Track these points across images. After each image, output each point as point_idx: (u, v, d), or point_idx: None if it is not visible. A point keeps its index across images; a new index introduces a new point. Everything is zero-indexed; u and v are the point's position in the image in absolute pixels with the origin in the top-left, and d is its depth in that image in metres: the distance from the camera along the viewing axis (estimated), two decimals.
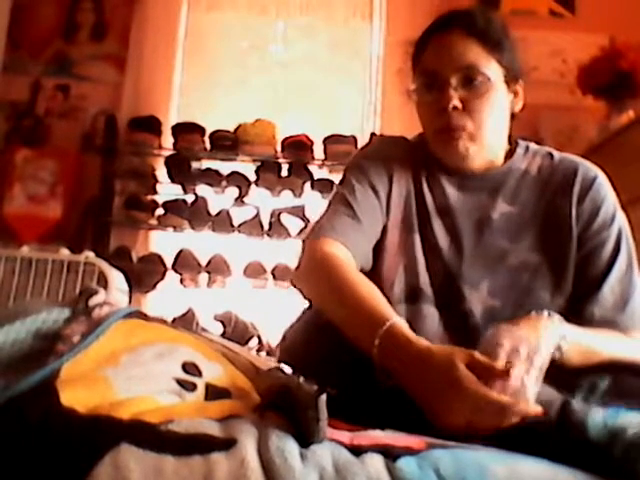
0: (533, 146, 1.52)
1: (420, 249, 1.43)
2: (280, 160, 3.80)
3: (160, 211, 3.75)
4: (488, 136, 1.42)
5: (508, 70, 1.41)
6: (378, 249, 1.43)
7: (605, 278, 1.38)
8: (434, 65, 1.40)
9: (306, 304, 1.37)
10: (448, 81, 1.37)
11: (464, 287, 1.39)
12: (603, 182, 1.47)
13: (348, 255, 1.33)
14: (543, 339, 1.11)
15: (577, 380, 1.07)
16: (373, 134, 3.70)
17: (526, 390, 1.02)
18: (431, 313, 1.38)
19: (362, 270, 1.34)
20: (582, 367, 1.16)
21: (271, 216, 3.71)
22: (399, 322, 1.13)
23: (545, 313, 1.20)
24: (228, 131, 3.79)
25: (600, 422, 0.95)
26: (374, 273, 1.40)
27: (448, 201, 1.45)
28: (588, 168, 1.48)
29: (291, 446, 0.83)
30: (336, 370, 1.07)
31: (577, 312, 1.35)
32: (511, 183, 1.46)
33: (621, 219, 1.45)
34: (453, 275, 1.41)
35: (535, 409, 1.00)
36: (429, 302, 1.40)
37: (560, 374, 1.11)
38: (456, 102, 1.36)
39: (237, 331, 3.39)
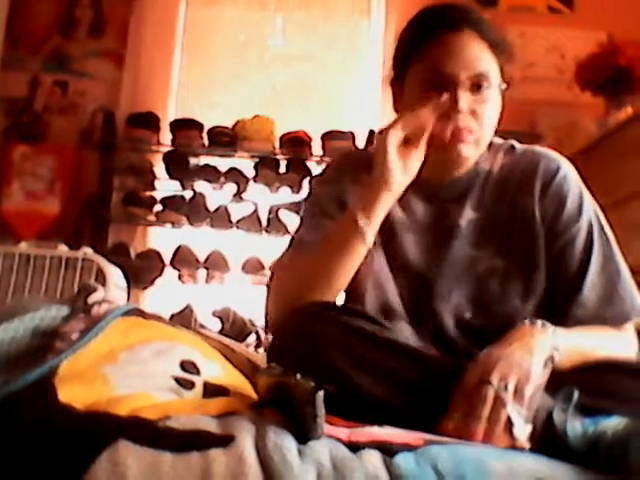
0: (496, 141, 1.46)
1: (386, 266, 1.39)
2: (278, 156, 3.79)
3: (158, 207, 3.74)
4: (486, 140, 1.38)
5: (502, 75, 1.37)
6: None
7: (584, 276, 1.34)
8: (445, 65, 1.32)
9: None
10: (458, 83, 1.31)
11: (436, 301, 1.36)
12: (567, 173, 1.41)
13: None
14: (536, 359, 1.09)
15: (555, 390, 1.07)
16: (372, 131, 3.70)
17: (516, 429, 1.01)
18: (405, 330, 1.34)
19: None
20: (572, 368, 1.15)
21: (269, 212, 3.71)
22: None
23: (539, 323, 1.17)
24: (226, 127, 3.78)
25: (579, 432, 0.96)
26: (346, 293, 1.39)
27: (417, 214, 1.42)
28: (550, 159, 1.42)
29: (289, 442, 0.84)
30: (329, 370, 1.07)
31: (561, 315, 1.31)
32: (477, 187, 1.41)
33: (590, 209, 1.39)
34: (425, 290, 1.37)
35: (523, 445, 1.00)
36: (402, 319, 1.36)
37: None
38: (467, 105, 1.31)
39: (235, 327, 3.39)
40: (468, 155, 1.35)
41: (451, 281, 1.37)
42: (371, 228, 1.28)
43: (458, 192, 1.41)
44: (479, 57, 1.33)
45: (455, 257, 1.38)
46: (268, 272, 3.64)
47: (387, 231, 1.39)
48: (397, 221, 1.41)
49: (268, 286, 1.40)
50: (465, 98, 1.31)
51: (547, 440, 0.98)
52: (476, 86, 1.32)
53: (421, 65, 1.36)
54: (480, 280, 1.36)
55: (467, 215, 1.40)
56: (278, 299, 1.36)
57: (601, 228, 1.39)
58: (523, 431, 1.01)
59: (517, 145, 1.47)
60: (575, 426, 0.96)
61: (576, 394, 1.02)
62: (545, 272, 1.37)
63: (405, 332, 1.33)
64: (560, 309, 1.34)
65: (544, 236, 1.37)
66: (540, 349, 1.11)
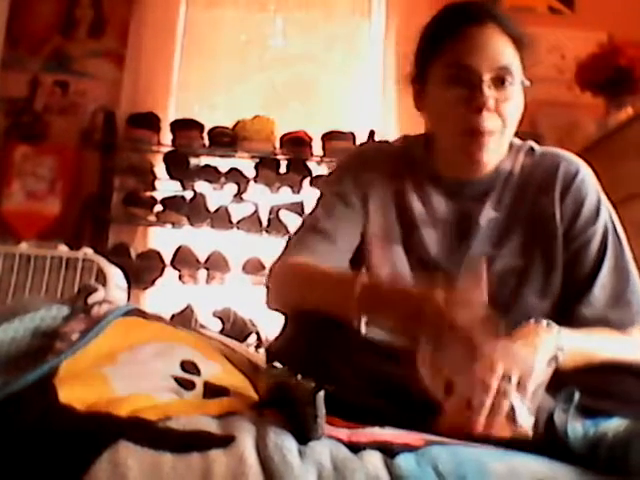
0: (516, 142, 1.47)
1: (404, 260, 1.40)
2: (279, 156, 3.79)
3: (159, 207, 3.74)
4: (508, 139, 1.39)
5: (524, 70, 1.37)
6: (359, 260, 1.41)
7: (595, 277, 1.35)
8: (468, 59, 1.31)
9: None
10: (482, 79, 1.30)
11: None
12: (585, 176, 1.42)
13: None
14: (540, 357, 1.10)
15: (557, 390, 1.07)
16: (372, 131, 3.70)
17: (519, 417, 1.01)
18: None
19: None
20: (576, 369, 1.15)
21: (270, 212, 3.70)
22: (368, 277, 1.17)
23: (544, 323, 1.17)
24: (227, 127, 3.78)
25: (580, 434, 0.95)
26: None
27: (438, 210, 1.42)
28: (569, 162, 1.43)
29: (289, 443, 0.84)
30: (328, 370, 1.07)
31: (569, 313, 1.33)
32: (498, 187, 1.42)
33: (606, 212, 1.41)
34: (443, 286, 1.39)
35: (527, 432, 0.99)
36: None
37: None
38: (492, 102, 1.30)
39: (236, 328, 3.39)
40: (487, 158, 1.36)
41: None
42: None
43: (479, 191, 1.42)
44: (502, 51, 1.33)
45: (475, 255, 1.38)
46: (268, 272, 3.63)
47: (407, 225, 1.42)
48: (417, 215, 1.42)
49: (273, 269, 1.40)
50: (489, 94, 1.31)
51: (548, 441, 0.98)
52: (500, 81, 1.32)
53: (444, 60, 1.36)
54: (498, 278, 1.37)
55: (487, 214, 1.41)
56: (278, 299, 1.36)
57: (615, 232, 1.41)
58: (526, 418, 1.01)
59: (536, 147, 1.48)
60: (576, 427, 0.96)
61: (577, 395, 1.02)
62: (561, 272, 1.38)
63: None
64: (569, 308, 1.36)
65: (562, 237, 1.39)
66: (544, 347, 1.12)
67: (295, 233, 1.44)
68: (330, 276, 1.26)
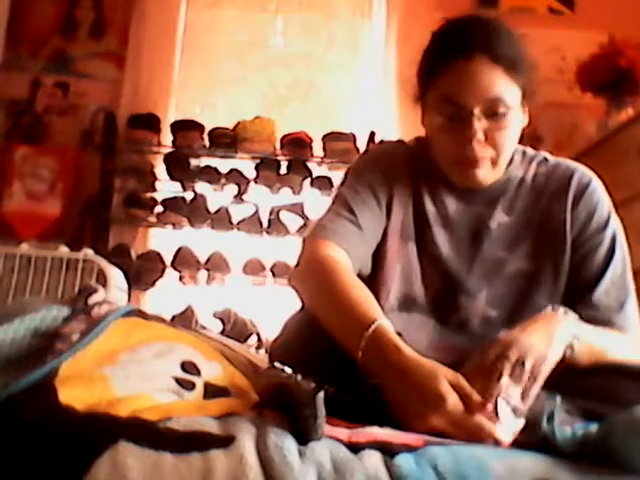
0: (529, 151, 1.51)
1: (416, 258, 1.43)
2: (279, 157, 3.79)
3: (159, 208, 3.74)
4: (506, 160, 1.41)
5: (524, 92, 1.38)
6: (378, 255, 1.43)
7: (599, 281, 1.38)
8: (457, 95, 1.33)
9: (300, 303, 1.36)
10: (472, 112, 1.32)
11: (462, 297, 1.41)
12: (597, 187, 1.46)
13: (346, 259, 1.32)
14: (553, 344, 1.11)
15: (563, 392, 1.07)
16: (373, 132, 3.70)
17: (498, 428, 1.00)
18: (425, 322, 1.40)
19: (360, 275, 1.33)
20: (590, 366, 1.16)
21: (270, 213, 3.71)
22: (385, 325, 1.11)
23: (561, 310, 1.19)
24: (227, 128, 3.78)
25: (569, 435, 0.96)
26: (372, 279, 1.40)
27: (450, 212, 1.45)
28: (583, 173, 1.47)
29: (289, 443, 0.84)
30: (329, 370, 1.07)
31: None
32: (509, 193, 1.45)
33: (615, 223, 1.44)
34: (453, 285, 1.41)
35: (505, 439, 0.99)
36: (423, 311, 1.41)
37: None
38: (480, 135, 1.32)
39: (236, 329, 3.39)
40: (483, 179, 1.39)
41: (480, 280, 1.41)
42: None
43: (491, 196, 1.45)
44: (492, 84, 1.33)
45: (485, 257, 1.42)
46: (269, 273, 3.65)
47: (420, 223, 1.45)
48: (429, 214, 1.45)
49: (305, 244, 1.38)
50: (480, 127, 1.33)
51: (542, 442, 0.98)
52: (491, 112, 1.33)
53: (435, 92, 1.38)
54: (508, 281, 1.42)
55: (498, 218, 1.45)
56: (298, 288, 1.34)
57: (621, 244, 1.43)
58: (512, 426, 1.00)
59: (549, 157, 1.51)
60: (564, 430, 0.96)
61: (559, 399, 1.02)
62: (566, 277, 1.42)
63: (423, 324, 1.39)
64: (572, 309, 1.36)
65: (571, 243, 1.42)
66: (559, 335, 1.14)
67: (327, 213, 1.43)
68: (348, 308, 1.19)
